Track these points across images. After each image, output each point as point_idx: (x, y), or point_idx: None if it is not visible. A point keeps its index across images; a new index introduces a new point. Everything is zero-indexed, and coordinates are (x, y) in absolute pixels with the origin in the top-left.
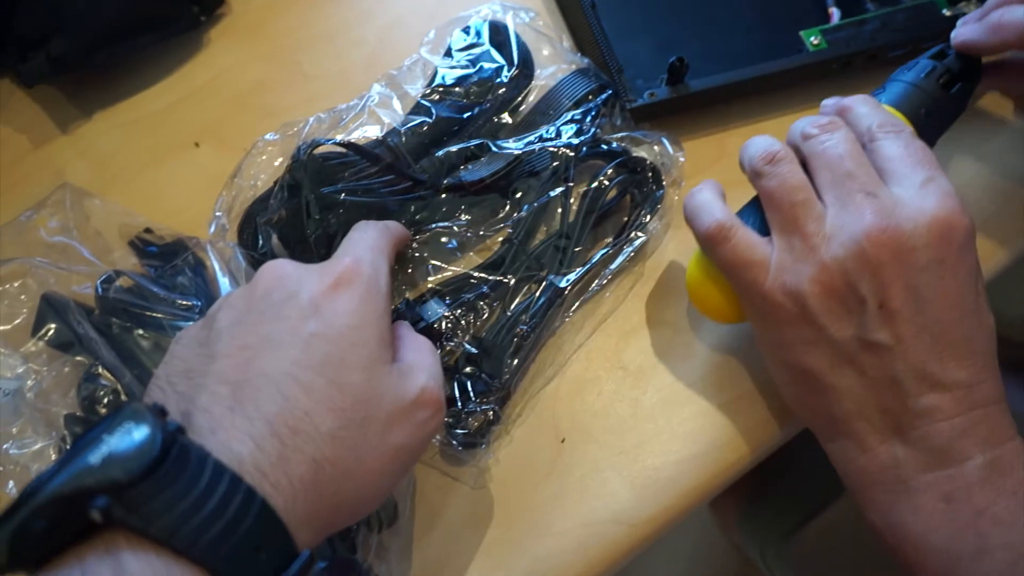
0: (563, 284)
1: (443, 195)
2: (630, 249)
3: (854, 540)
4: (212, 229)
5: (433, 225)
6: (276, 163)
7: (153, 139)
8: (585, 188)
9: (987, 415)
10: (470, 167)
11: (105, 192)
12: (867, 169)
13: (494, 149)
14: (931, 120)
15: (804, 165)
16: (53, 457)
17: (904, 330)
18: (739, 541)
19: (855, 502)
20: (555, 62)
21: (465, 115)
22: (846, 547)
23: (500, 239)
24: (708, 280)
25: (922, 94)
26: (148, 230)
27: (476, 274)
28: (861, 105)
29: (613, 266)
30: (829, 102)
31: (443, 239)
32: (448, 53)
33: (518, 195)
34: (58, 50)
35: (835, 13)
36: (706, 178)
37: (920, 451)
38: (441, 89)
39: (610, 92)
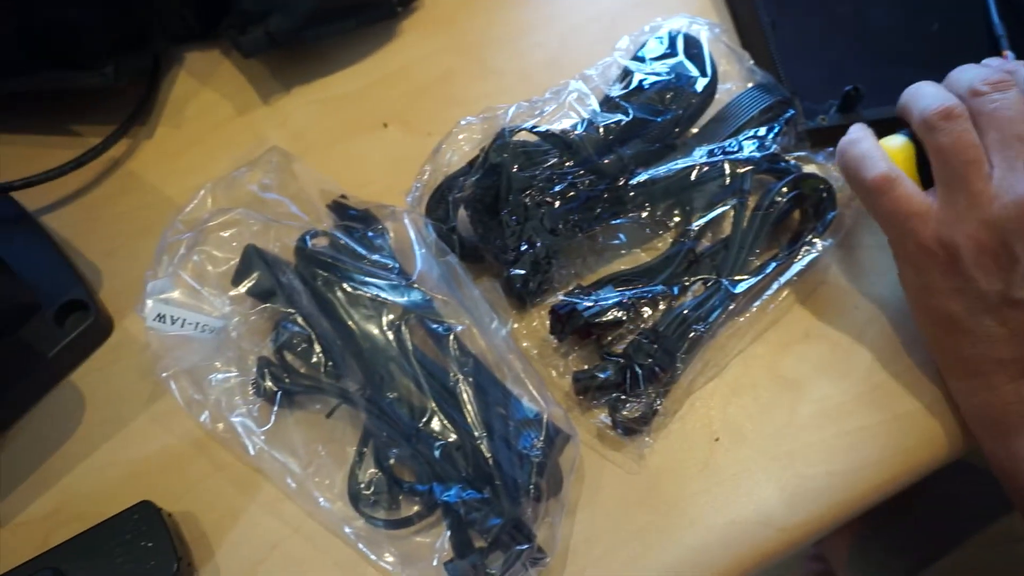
0: (738, 290)
1: (626, 191)
2: (800, 264)
3: None
4: (409, 199)
5: (616, 221)
6: (468, 146)
7: (345, 116)
8: (757, 199)
9: None
10: (654, 168)
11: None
12: None
13: (678, 153)
14: None
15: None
16: (251, 394)
17: None
18: None
19: (975, 434)
20: (734, 77)
21: (659, 118)
22: None
23: (670, 239)
24: None
25: None
26: (344, 196)
27: (651, 269)
28: None
29: (783, 278)
30: (993, 62)
31: (619, 233)
32: (637, 59)
33: (694, 200)
34: (275, 26)
35: (1010, 56)
36: None
37: None
38: (637, 91)
39: (792, 111)
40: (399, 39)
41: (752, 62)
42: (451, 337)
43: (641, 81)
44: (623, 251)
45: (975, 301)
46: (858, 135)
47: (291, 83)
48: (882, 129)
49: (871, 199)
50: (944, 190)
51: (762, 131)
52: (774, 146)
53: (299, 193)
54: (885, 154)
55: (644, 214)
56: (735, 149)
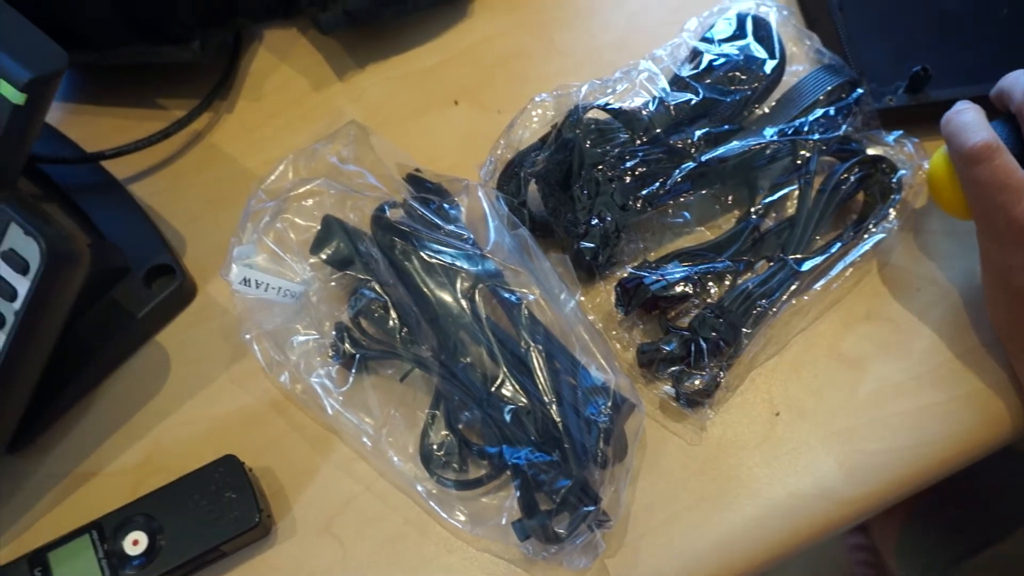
0: (803, 268)
1: (695, 169)
2: (866, 245)
3: None
4: (483, 172)
5: (684, 198)
6: (539, 124)
7: (418, 93)
8: (823, 180)
9: None
10: (722, 147)
11: None
12: None
13: (746, 133)
14: None
15: None
16: (330, 356)
17: None
18: (896, 565)
19: None
20: (801, 59)
21: (728, 98)
22: None
23: (735, 219)
24: (952, 176)
25: None
26: (418, 170)
27: (718, 245)
28: None
29: (847, 259)
30: None
31: (685, 211)
32: (705, 40)
33: (761, 179)
34: (353, 4)
35: None
36: None
37: None
38: (707, 71)
39: (861, 91)
40: (470, 18)
41: (820, 44)
42: (522, 306)
43: (711, 61)
44: (688, 229)
45: None
46: (965, 106)
47: (366, 61)
48: None
49: (969, 167)
50: None
51: (830, 112)
52: (843, 127)
53: (376, 165)
54: (988, 125)
55: (712, 192)
56: (802, 130)
